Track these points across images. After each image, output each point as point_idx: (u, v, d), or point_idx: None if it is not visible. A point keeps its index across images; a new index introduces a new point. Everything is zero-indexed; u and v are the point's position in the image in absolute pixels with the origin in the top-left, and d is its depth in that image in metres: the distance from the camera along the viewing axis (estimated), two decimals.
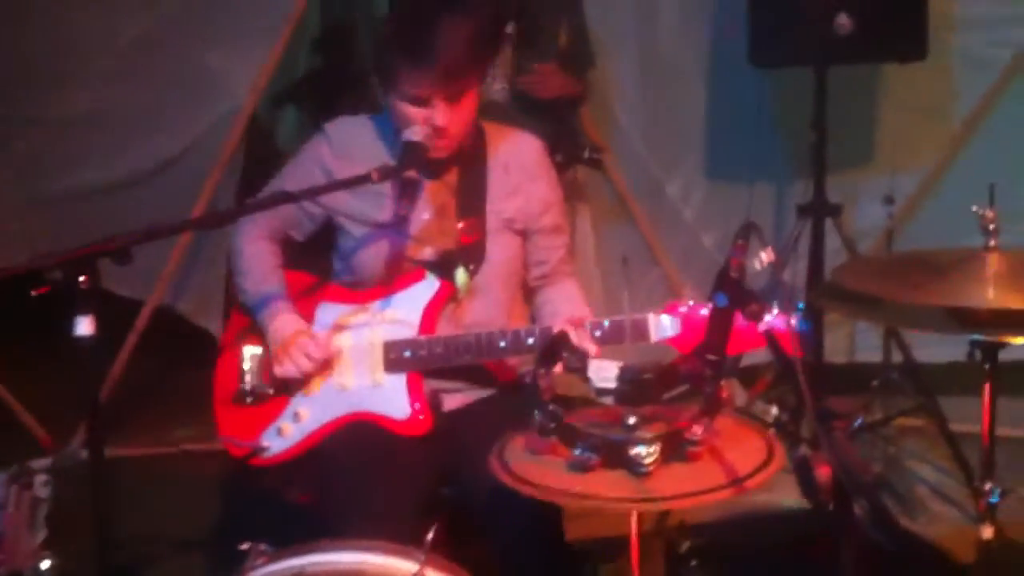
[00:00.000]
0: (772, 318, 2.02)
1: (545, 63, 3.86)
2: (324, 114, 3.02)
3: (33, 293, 2.08)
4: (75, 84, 4.48)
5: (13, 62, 4.41)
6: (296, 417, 2.72)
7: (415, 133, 2.59)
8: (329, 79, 5.26)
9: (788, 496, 3.67)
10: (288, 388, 2.75)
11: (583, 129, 4.42)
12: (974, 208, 2.45)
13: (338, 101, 4.93)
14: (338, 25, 5.41)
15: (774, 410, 4.36)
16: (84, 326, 2.04)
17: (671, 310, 2.60)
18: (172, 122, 4.57)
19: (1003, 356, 2.44)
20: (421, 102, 2.59)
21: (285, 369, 2.69)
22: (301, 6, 4.52)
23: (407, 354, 2.67)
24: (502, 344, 2.63)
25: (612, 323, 2.61)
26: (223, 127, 4.55)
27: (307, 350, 2.67)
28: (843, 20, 3.76)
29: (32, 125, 4.52)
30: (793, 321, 2.07)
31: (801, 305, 2.10)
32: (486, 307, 2.77)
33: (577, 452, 1.97)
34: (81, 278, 2.02)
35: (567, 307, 2.79)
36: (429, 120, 2.59)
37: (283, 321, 2.74)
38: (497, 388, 2.80)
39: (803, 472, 1.76)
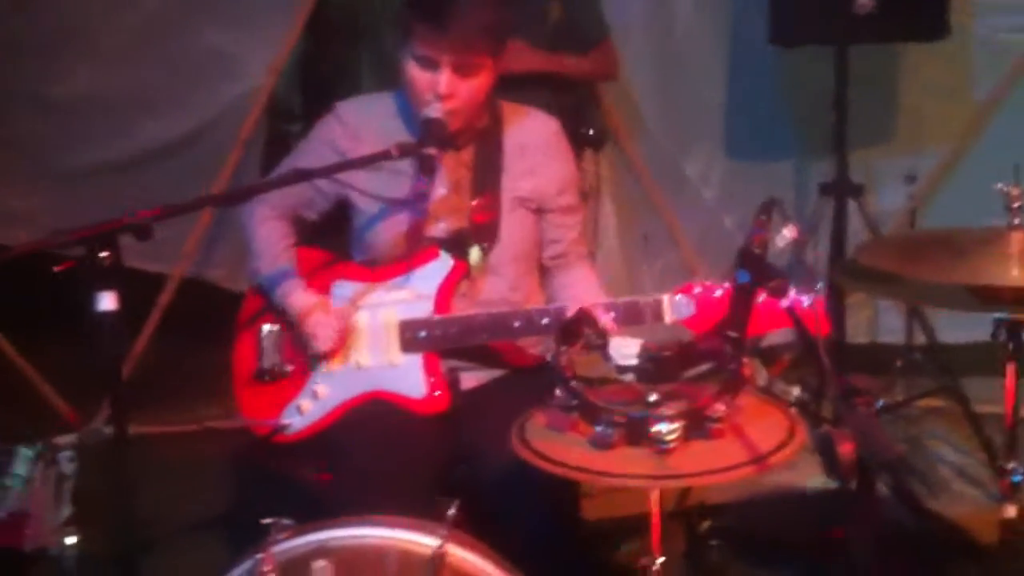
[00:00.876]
0: (794, 295, 2.01)
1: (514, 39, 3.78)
2: (320, 99, 3.00)
3: (56, 269, 2.08)
4: (83, 63, 4.46)
5: (22, 40, 4.41)
6: (315, 395, 2.74)
7: (434, 110, 2.58)
8: (319, 63, 5.22)
9: (809, 475, 3.69)
10: (307, 366, 2.76)
11: (594, 108, 4.37)
12: (998, 186, 2.44)
13: (331, 85, 4.91)
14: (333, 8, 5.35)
15: (795, 390, 4.39)
16: (106, 302, 2.04)
17: (686, 291, 2.60)
18: (182, 103, 4.55)
19: None
20: (429, 65, 2.59)
21: (312, 344, 2.70)
22: None
23: (422, 334, 2.67)
24: (517, 324, 2.63)
25: (626, 303, 2.61)
26: (240, 108, 4.54)
27: (327, 322, 2.68)
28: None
29: (38, 103, 4.51)
30: (814, 297, 2.05)
31: (821, 284, 2.08)
32: (500, 286, 2.77)
33: (598, 429, 1.97)
34: (103, 254, 2.02)
35: (584, 292, 2.78)
36: (433, 86, 2.58)
37: (299, 297, 2.75)
38: (509, 370, 2.80)
39: (826, 449, 1.74)
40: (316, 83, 4.91)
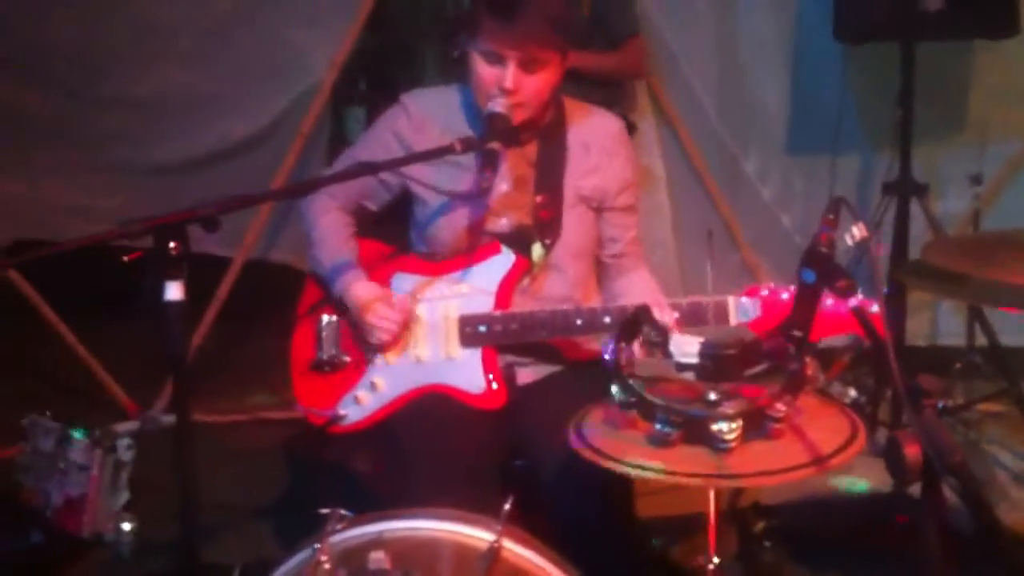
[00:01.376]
0: (861, 296, 1.98)
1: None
2: (383, 91, 3.00)
3: (125, 259, 2.10)
4: (159, 64, 4.52)
5: (100, 42, 4.47)
6: (372, 387, 2.74)
7: (498, 104, 2.58)
8: (383, 56, 5.24)
9: (867, 478, 3.65)
10: (365, 357, 2.77)
11: (621, 105, 4.31)
12: None
13: (393, 78, 4.92)
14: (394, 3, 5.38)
15: (852, 392, 4.32)
16: (174, 291, 2.06)
17: (752, 293, 2.58)
18: (253, 99, 4.60)
19: None
20: (495, 60, 2.58)
21: (374, 335, 2.70)
22: None
23: (482, 329, 2.67)
24: (578, 322, 2.62)
25: (691, 304, 2.60)
26: (303, 102, 4.58)
27: (389, 314, 2.68)
28: None
29: (124, 104, 4.57)
30: (879, 301, 2.02)
31: (887, 289, 2.05)
32: (560, 282, 2.77)
33: (657, 427, 1.95)
34: (172, 244, 2.04)
35: (645, 296, 2.74)
36: (499, 81, 2.57)
37: (361, 288, 2.75)
38: (565, 365, 2.79)
39: (892, 451, 1.72)
40: (379, 71, 4.93)
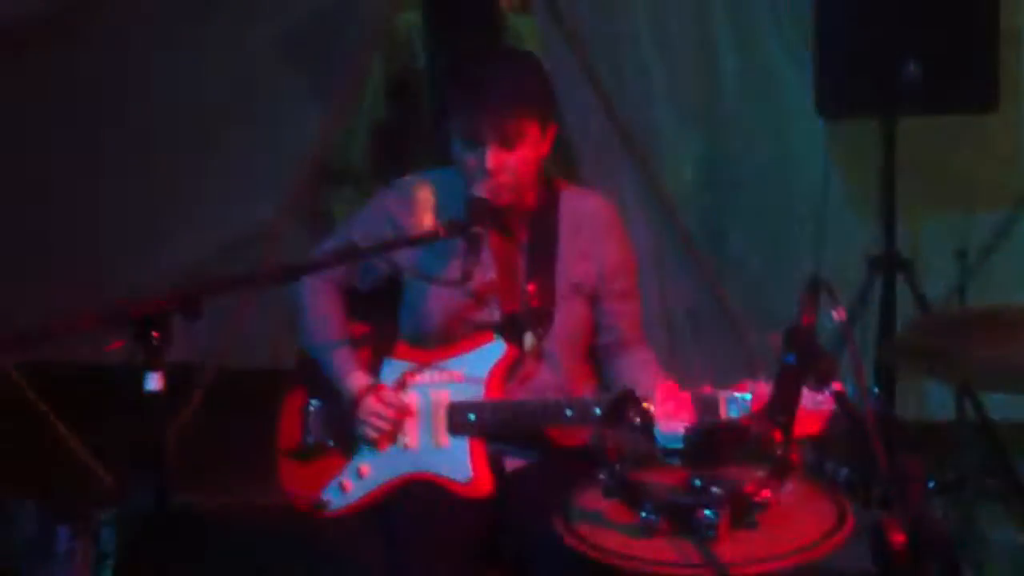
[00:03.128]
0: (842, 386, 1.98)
1: None
2: (393, 166, 3.01)
3: (106, 349, 2.09)
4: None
5: None
6: (358, 474, 2.73)
7: (480, 188, 2.59)
8: (396, 131, 5.28)
9: (857, 561, 3.61)
10: (351, 443, 2.75)
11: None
12: None
13: (405, 153, 4.95)
14: (404, 76, 5.44)
15: (844, 471, 4.28)
16: (154, 382, 2.04)
17: (742, 388, 2.54)
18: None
19: None
20: (475, 144, 2.59)
21: (363, 430, 2.69)
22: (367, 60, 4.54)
23: (472, 417, 2.65)
24: (568, 413, 2.60)
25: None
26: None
27: (381, 410, 2.67)
28: (912, 70, 3.71)
29: None
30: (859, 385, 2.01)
31: (876, 389, 2.05)
32: (552, 372, 2.74)
33: (643, 515, 1.94)
34: (153, 334, 2.03)
35: (644, 377, 2.71)
36: (480, 163, 2.58)
37: (354, 379, 2.73)
38: (554, 452, 2.76)
39: (877, 537, 1.70)
40: (386, 147, 4.95)
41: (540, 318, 2.72)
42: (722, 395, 2.51)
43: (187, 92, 4.48)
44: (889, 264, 4.03)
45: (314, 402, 2.81)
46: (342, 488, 2.73)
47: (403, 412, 2.70)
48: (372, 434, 2.69)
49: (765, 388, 2.50)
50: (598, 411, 2.56)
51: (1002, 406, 4.14)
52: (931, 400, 4.65)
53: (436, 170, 2.87)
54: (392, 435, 2.71)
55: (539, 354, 2.72)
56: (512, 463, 2.73)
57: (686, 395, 2.50)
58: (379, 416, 2.67)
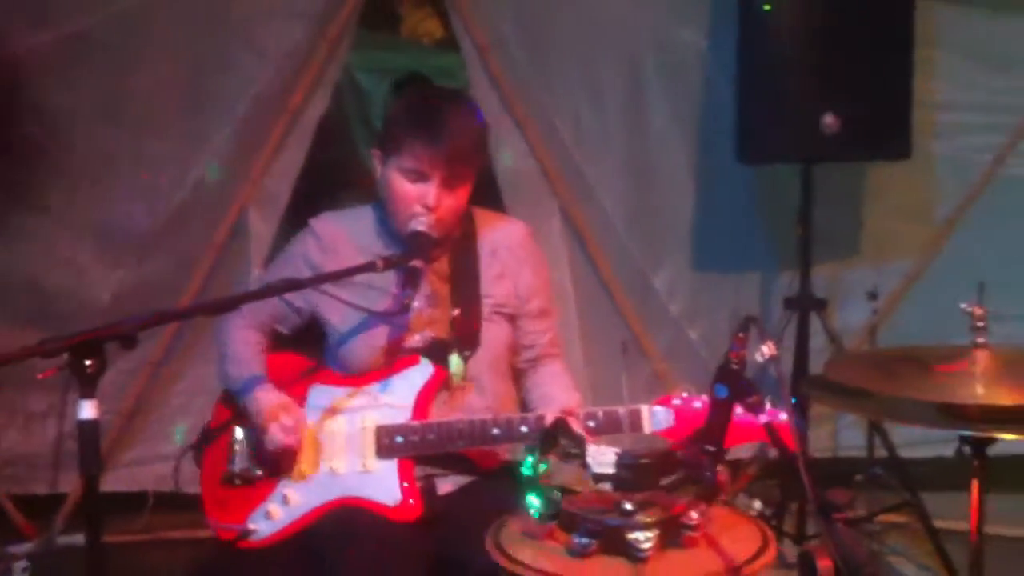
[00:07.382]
0: (770, 410, 2.05)
1: None
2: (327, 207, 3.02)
3: (39, 377, 2.08)
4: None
5: None
6: (284, 500, 2.71)
7: (420, 223, 2.63)
8: (327, 174, 5.25)
9: None
10: (277, 471, 2.74)
11: None
12: (963, 306, 2.49)
13: (339, 195, 4.93)
14: (332, 118, 5.40)
15: (757, 504, 4.36)
16: (88, 410, 2.04)
17: (665, 402, 2.63)
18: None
19: (989, 451, 2.47)
20: (418, 177, 2.65)
21: (270, 440, 2.69)
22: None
23: (399, 440, 2.67)
24: (495, 431, 2.64)
25: (607, 413, 2.64)
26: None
27: (284, 420, 2.68)
28: (830, 120, 3.87)
29: None
30: (789, 415, 2.10)
31: (795, 400, 2.13)
32: (479, 393, 2.79)
33: (575, 538, 1.97)
34: (88, 362, 2.03)
35: (558, 391, 2.82)
36: (422, 198, 2.64)
37: (264, 397, 2.75)
38: (480, 474, 2.79)
39: (805, 566, 1.77)
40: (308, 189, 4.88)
41: (466, 341, 2.76)
42: (645, 409, 2.62)
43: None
44: (804, 304, 4.15)
45: (240, 430, 2.80)
46: (268, 515, 2.71)
47: (302, 422, 2.71)
48: (279, 444, 2.67)
49: (687, 402, 2.61)
50: (524, 429, 2.62)
51: (911, 444, 4.28)
52: (843, 438, 4.79)
53: (351, 208, 2.93)
54: (317, 458, 2.71)
55: (466, 377, 2.76)
56: (444, 487, 2.75)
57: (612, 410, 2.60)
58: (283, 425, 2.67)
